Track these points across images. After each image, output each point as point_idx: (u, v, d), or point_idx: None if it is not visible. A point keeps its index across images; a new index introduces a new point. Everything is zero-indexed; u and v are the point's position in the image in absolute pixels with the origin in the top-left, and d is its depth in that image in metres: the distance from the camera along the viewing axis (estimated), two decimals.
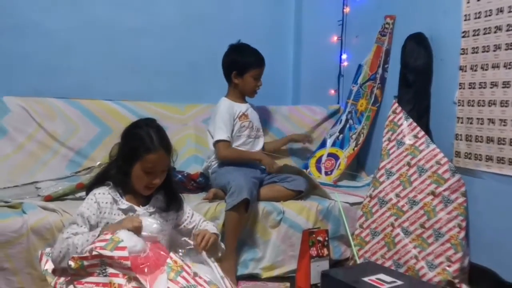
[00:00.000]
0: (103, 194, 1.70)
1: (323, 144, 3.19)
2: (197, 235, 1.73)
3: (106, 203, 1.69)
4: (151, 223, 1.63)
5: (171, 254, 1.52)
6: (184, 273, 1.47)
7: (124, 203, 1.72)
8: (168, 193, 1.81)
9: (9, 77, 2.74)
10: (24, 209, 2.04)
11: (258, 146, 2.73)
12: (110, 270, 1.43)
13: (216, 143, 2.55)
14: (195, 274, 1.49)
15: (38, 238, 1.95)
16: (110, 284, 1.42)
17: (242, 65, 2.61)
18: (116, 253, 1.43)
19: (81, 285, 1.46)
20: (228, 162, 2.54)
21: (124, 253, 1.43)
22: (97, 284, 1.44)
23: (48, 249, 1.75)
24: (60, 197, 2.24)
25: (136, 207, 1.73)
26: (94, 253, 1.43)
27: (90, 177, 2.26)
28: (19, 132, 2.57)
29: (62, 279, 1.56)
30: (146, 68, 3.03)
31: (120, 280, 1.42)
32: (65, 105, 2.72)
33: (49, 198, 2.21)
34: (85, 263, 1.44)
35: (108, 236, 1.49)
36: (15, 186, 2.36)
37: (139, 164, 1.68)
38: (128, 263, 1.42)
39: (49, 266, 1.65)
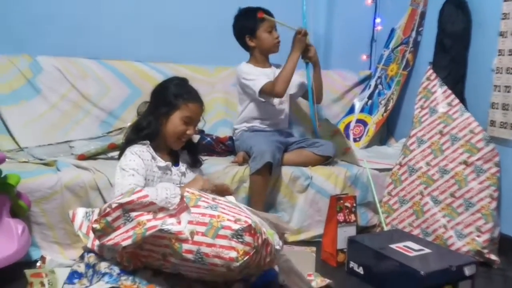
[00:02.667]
0: (143, 152, 1.72)
1: (351, 110, 3.15)
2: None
3: (148, 160, 1.73)
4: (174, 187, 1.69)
5: (187, 189, 1.51)
6: (203, 199, 1.46)
7: (161, 161, 1.77)
8: (192, 153, 1.90)
9: (41, 37, 2.75)
10: (58, 166, 2.09)
11: (284, 113, 2.59)
12: (134, 214, 1.43)
13: (262, 92, 2.41)
14: (214, 198, 1.48)
15: (72, 195, 2.00)
16: (138, 224, 1.41)
17: (250, 26, 2.49)
18: (135, 196, 1.43)
19: (111, 241, 1.44)
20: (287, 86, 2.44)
21: (142, 193, 1.44)
22: (126, 231, 1.42)
23: (80, 209, 1.74)
24: (92, 156, 2.29)
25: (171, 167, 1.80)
26: (113, 205, 1.43)
27: (122, 138, 2.31)
28: (52, 91, 2.60)
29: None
30: (176, 30, 3.00)
31: (146, 216, 1.42)
32: (97, 66, 2.73)
33: (82, 157, 2.25)
34: (109, 219, 1.44)
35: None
36: (49, 144, 2.41)
37: (178, 112, 1.74)
38: (148, 199, 1.43)
39: (84, 228, 1.66)
